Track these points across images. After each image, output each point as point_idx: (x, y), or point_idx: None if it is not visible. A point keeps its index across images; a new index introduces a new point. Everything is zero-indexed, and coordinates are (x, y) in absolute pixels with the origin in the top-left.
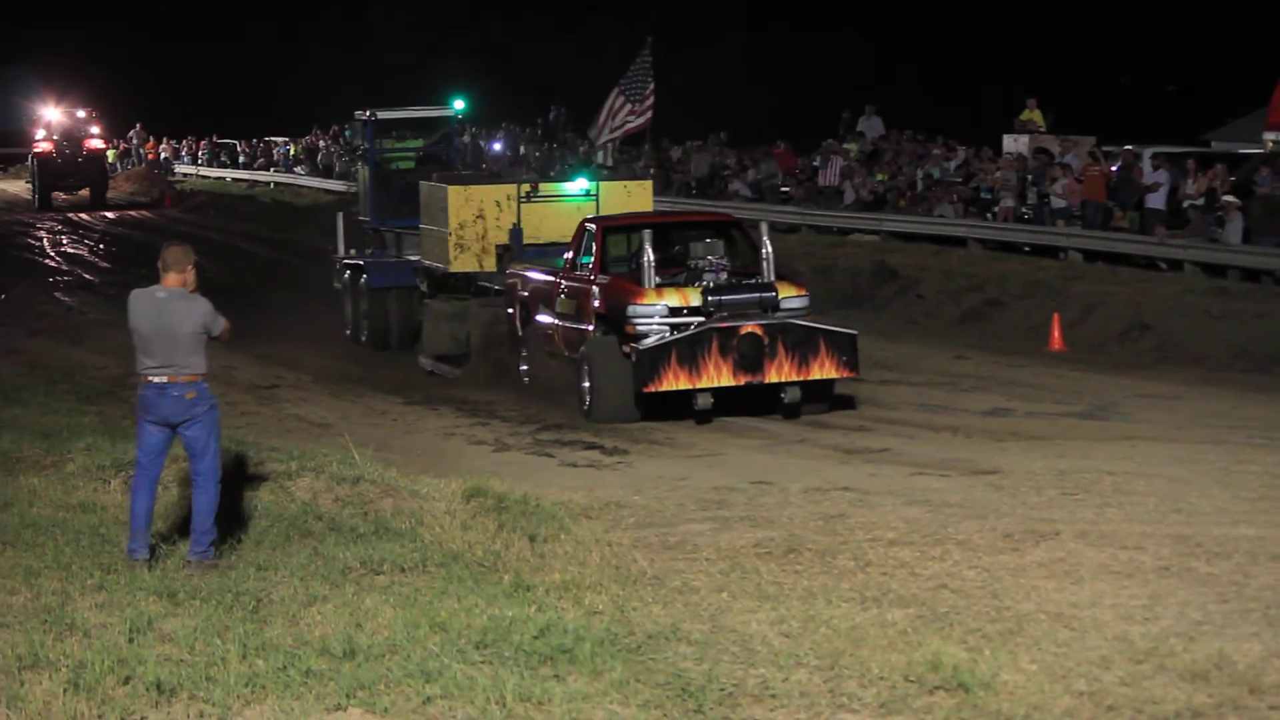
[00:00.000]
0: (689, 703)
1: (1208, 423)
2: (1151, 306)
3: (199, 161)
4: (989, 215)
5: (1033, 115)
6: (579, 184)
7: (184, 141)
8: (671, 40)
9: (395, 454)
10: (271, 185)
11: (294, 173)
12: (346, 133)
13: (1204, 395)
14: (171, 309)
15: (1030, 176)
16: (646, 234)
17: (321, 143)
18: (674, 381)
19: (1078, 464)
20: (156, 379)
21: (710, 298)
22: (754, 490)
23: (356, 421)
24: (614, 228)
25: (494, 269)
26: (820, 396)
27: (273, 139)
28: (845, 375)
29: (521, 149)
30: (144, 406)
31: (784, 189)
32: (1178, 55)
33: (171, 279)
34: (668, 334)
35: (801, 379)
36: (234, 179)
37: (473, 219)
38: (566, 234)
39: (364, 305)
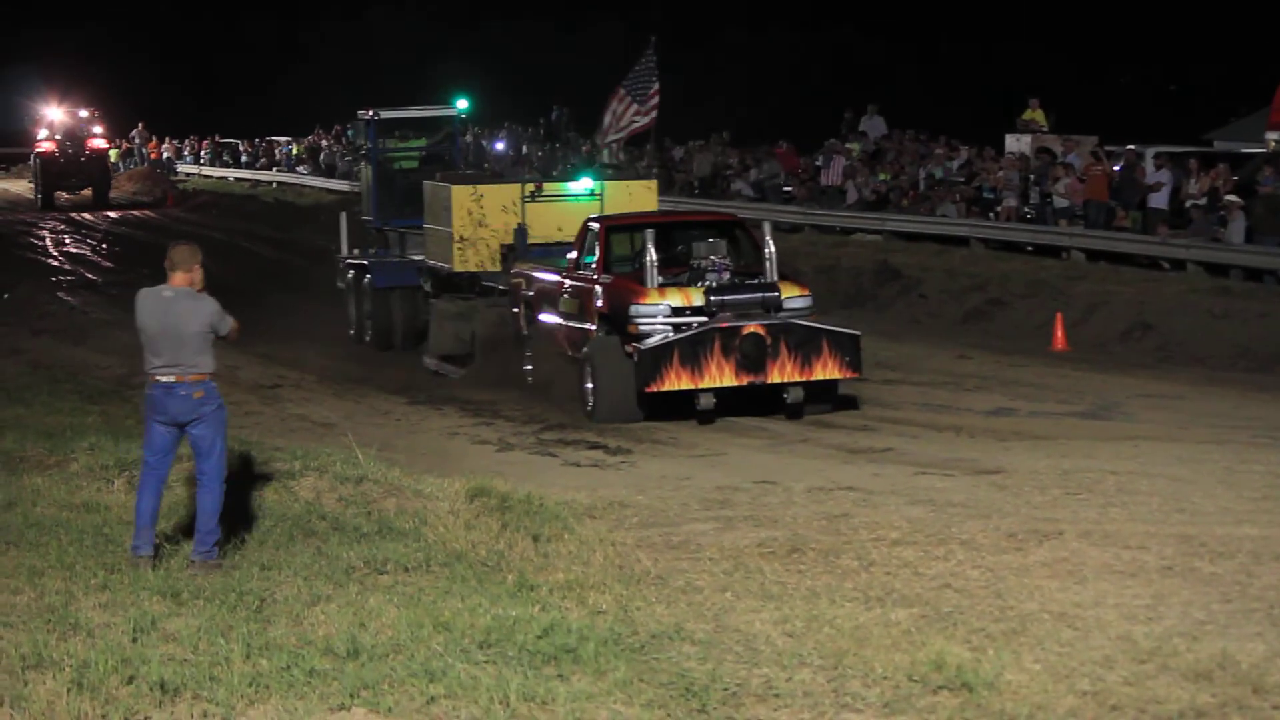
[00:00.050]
0: (693, 702)
1: (1211, 422)
2: (1154, 306)
3: (201, 161)
4: (991, 215)
5: (1035, 115)
6: (583, 183)
7: (186, 141)
8: (673, 40)
9: (399, 454)
10: (274, 185)
11: (296, 172)
12: (349, 132)
13: (1207, 395)
14: (178, 308)
15: (1033, 176)
16: (649, 234)
17: (324, 142)
18: (676, 382)
19: (1081, 464)
20: (164, 378)
21: (712, 298)
22: (757, 490)
23: (360, 421)
24: (617, 227)
25: (498, 269)
26: (823, 397)
27: (275, 139)
28: (848, 376)
29: (524, 149)
30: (151, 406)
31: (786, 189)
32: (1180, 55)
33: (178, 278)
34: (670, 334)
35: (804, 379)
36: (236, 179)
37: (477, 218)
38: (571, 234)
39: (368, 305)
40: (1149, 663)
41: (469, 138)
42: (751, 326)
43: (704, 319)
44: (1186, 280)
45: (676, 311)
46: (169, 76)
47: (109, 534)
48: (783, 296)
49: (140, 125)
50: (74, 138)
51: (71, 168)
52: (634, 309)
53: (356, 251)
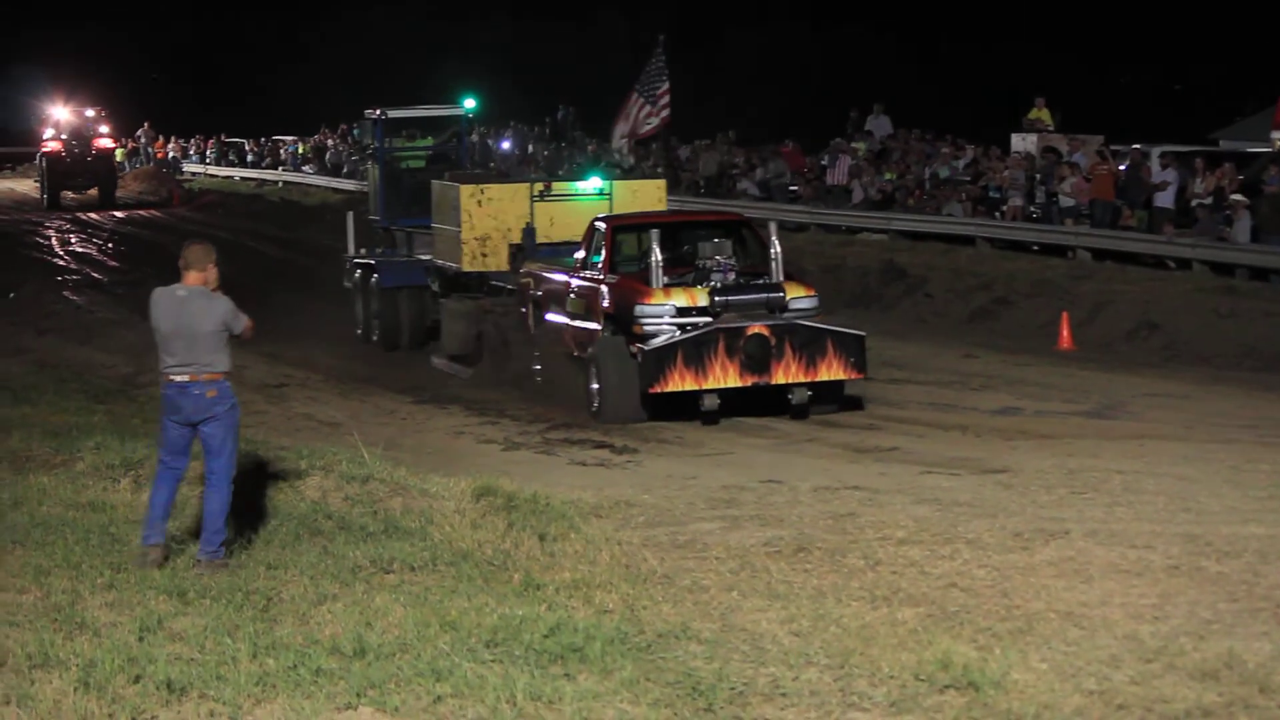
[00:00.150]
0: (699, 701)
1: (1216, 421)
2: (1160, 305)
3: (207, 161)
4: (997, 214)
5: (1041, 114)
6: (592, 183)
7: (192, 140)
8: (679, 39)
9: (405, 453)
10: (280, 184)
11: (302, 172)
12: (355, 131)
13: (1213, 394)
14: (192, 307)
15: (1038, 175)
16: (654, 234)
17: (330, 141)
18: (680, 382)
19: (1087, 463)
20: (178, 377)
21: (717, 298)
22: (763, 489)
23: (366, 420)
24: (623, 227)
25: (506, 268)
26: (829, 397)
27: (281, 138)
28: (853, 376)
29: (530, 148)
30: (165, 405)
31: (792, 188)
32: (1185, 54)
33: (192, 277)
34: (674, 334)
35: (809, 380)
36: (242, 178)
37: (485, 218)
38: (579, 233)
39: (375, 305)
40: (1155, 662)
41: (474, 137)
42: (756, 327)
43: (709, 319)
44: (1192, 279)
45: (682, 312)
46: (175, 75)
47: (115, 533)
48: (788, 297)
49: (146, 125)
50: (80, 137)
51: (77, 167)
52: (639, 309)
53: (363, 251)
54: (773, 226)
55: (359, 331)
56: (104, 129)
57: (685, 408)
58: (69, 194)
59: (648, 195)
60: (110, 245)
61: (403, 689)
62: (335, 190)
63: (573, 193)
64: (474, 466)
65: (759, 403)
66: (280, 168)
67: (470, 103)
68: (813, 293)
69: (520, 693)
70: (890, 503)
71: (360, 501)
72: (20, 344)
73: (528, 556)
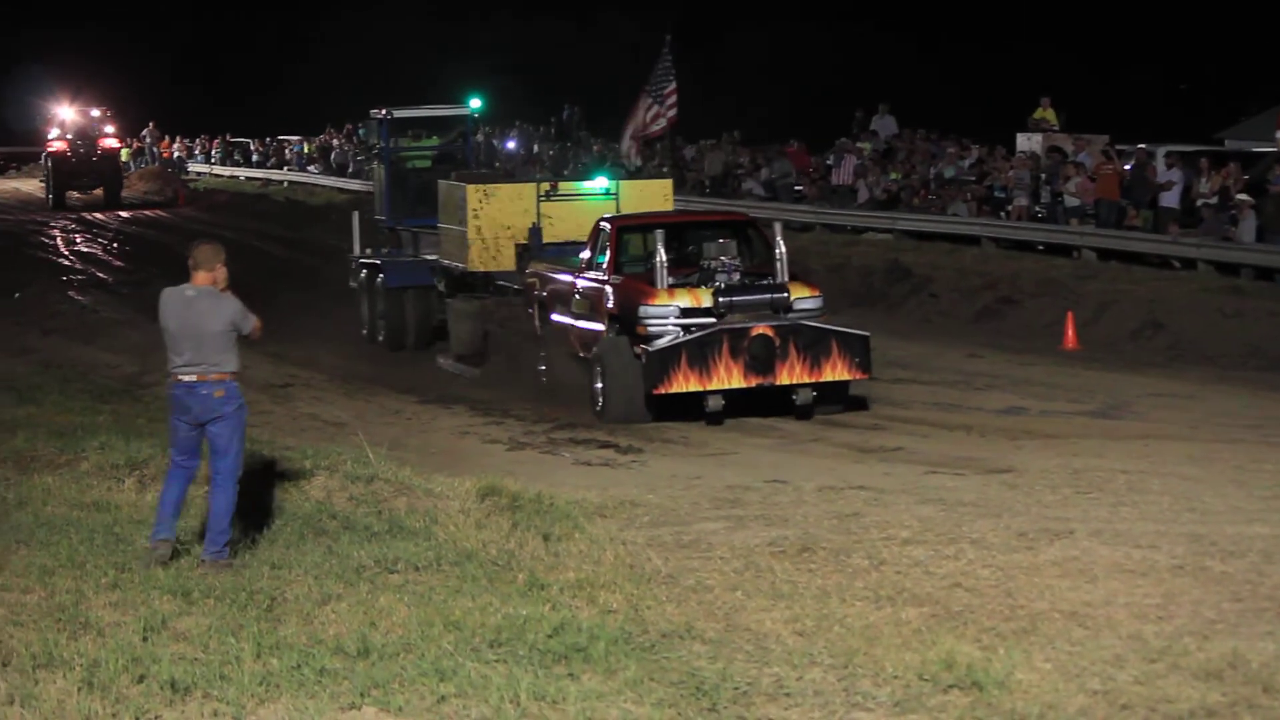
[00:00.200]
0: (703, 701)
1: (1221, 421)
2: (1165, 305)
3: (212, 160)
4: (1002, 214)
5: (1046, 114)
6: (599, 182)
7: (197, 140)
8: (684, 39)
9: (409, 453)
10: (285, 184)
11: (307, 171)
12: (361, 131)
13: (1218, 394)
14: (200, 307)
15: (1044, 175)
16: (659, 234)
17: (335, 141)
18: (684, 383)
19: (1092, 463)
20: (185, 377)
21: (721, 299)
22: (768, 489)
23: (371, 420)
24: (628, 227)
25: (513, 268)
26: (834, 398)
27: (286, 138)
28: (857, 377)
29: (535, 147)
30: (173, 405)
31: (797, 188)
32: (1190, 54)
33: (201, 277)
34: (678, 336)
35: (813, 381)
36: (247, 178)
37: (492, 218)
38: (586, 233)
39: (380, 305)
40: (1159, 662)
41: (480, 137)
42: (760, 328)
43: (713, 320)
44: (1197, 279)
45: (686, 313)
46: (181, 75)
47: (119, 533)
48: (793, 297)
49: (151, 124)
50: (85, 137)
51: (83, 167)
52: (643, 310)
53: (369, 251)
54: (777, 226)
55: (364, 332)
56: (109, 129)
57: (689, 408)
58: (74, 194)
59: (654, 195)
60: (115, 245)
61: (406, 689)
62: (340, 190)
63: (579, 192)
64: (479, 466)
65: (764, 403)
66: (285, 167)
67: (476, 102)
68: (817, 293)
69: (524, 692)
70: (895, 502)
71: (365, 501)
72: (25, 344)
73: (532, 556)
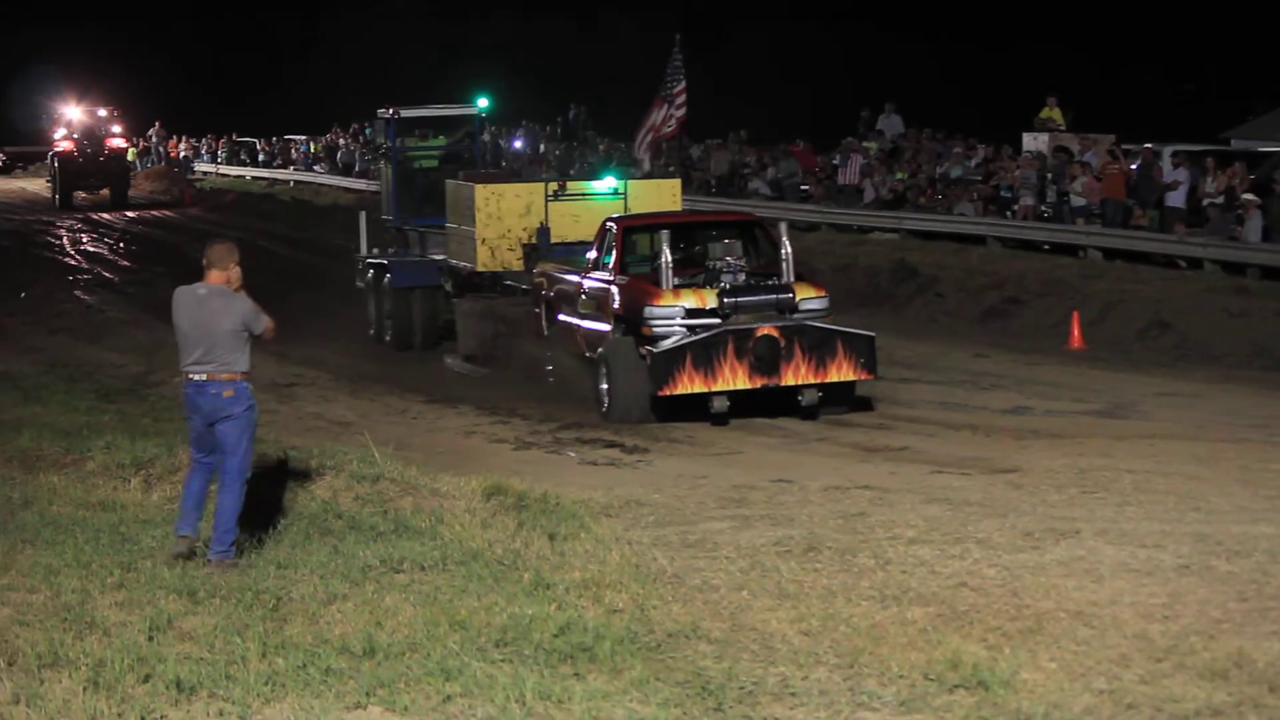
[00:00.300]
0: (709, 701)
1: (1227, 421)
2: (1171, 305)
3: (218, 160)
4: (1009, 213)
5: (1052, 113)
6: (607, 182)
7: (203, 140)
8: (690, 38)
9: (415, 452)
10: (291, 184)
11: (314, 171)
12: (368, 131)
13: (1223, 393)
14: (212, 306)
15: (1050, 175)
16: (665, 235)
17: (341, 141)
18: (689, 385)
19: (1097, 462)
20: (196, 376)
21: (726, 299)
22: (774, 488)
23: (376, 420)
24: (634, 227)
25: (521, 268)
26: (840, 398)
27: (292, 137)
28: (863, 377)
29: (541, 147)
30: (185, 403)
31: (804, 187)
32: (1196, 54)
33: (214, 276)
34: (683, 337)
35: (818, 381)
36: (254, 177)
37: (500, 218)
38: (593, 233)
39: (388, 305)
40: (1165, 661)
41: (486, 136)
42: (765, 329)
43: (718, 321)
44: (1203, 279)
45: (691, 313)
46: (186, 75)
47: (125, 532)
48: (798, 297)
49: (157, 124)
50: (93, 137)
51: (90, 167)
52: (648, 310)
53: (376, 251)
54: (783, 226)
55: (371, 332)
56: (116, 129)
57: (695, 408)
58: (81, 194)
59: (662, 195)
60: (121, 245)
61: (412, 688)
62: (347, 190)
63: (587, 192)
64: (484, 466)
65: (769, 403)
66: (292, 167)
67: (483, 102)
68: (823, 293)
69: (530, 692)
70: (900, 502)
71: (370, 501)
72: (31, 343)
73: (538, 556)
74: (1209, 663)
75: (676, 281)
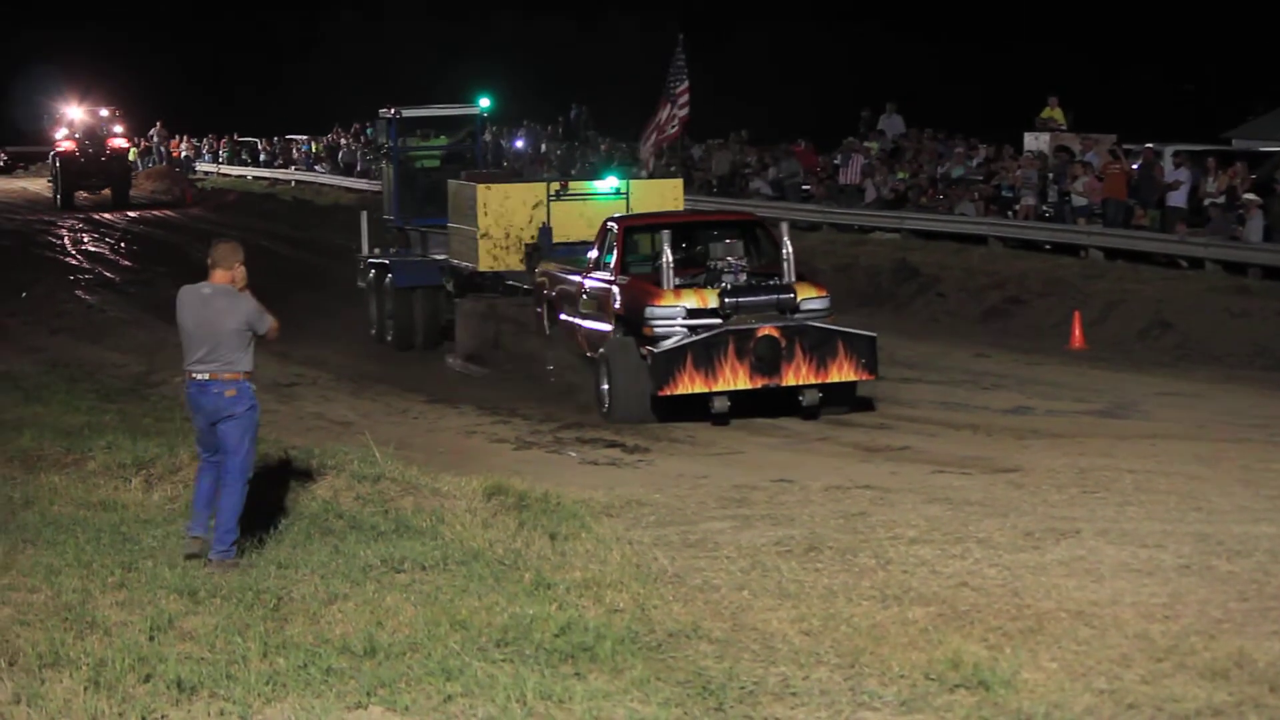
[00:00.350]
0: (709, 701)
1: (1228, 421)
2: (1172, 304)
3: (219, 160)
4: (1010, 213)
5: (1054, 113)
6: (609, 182)
7: (204, 140)
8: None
9: (416, 452)
10: (292, 184)
11: (315, 171)
12: (369, 131)
13: (1225, 393)
14: (216, 305)
15: (1051, 174)
16: (666, 235)
17: (342, 141)
18: (690, 385)
19: (1098, 462)
20: (199, 375)
21: (727, 300)
22: (774, 488)
23: (377, 419)
24: (635, 227)
25: (523, 268)
26: (841, 399)
27: (293, 137)
28: (863, 378)
29: (543, 147)
30: (188, 403)
31: (805, 187)
32: (1196, 54)
33: (219, 275)
34: (684, 337)
35: (819, 382)
36: (255, 177)
37: (502, 218)
38: (595, 233)
39: (389, 305)
40: (1166, 661)
41: (487, 136)
42: (766, 329)
43: (719, 321)
44: (1204, 279)
45: (693, 314)
46: (187, 75)
47: (126, 532)
48: (800, 298)
49: (159, 124)
50: (94, 137)
51: (92, 167)
52: (649, 311)
53: (378, 250)
54: (785, 226)
55: (373, 332)
56: (118, 129)
57: (695, 408)
58: (83, 194)
59: (664, 195)
60: (122, 245)
61: (413, 688)
62: (348, 190)
63: (589, 192)
64: (486, 466)
65: (770, 403)
66: (293, 167)
67: (485, 102)
68: (824, 293)
69: (530, 692)
70: (901, 502)
71: (371, 501)
72: (33, 343)
73: (539, 556)
74: (1210, 663)
75: (678, 281)
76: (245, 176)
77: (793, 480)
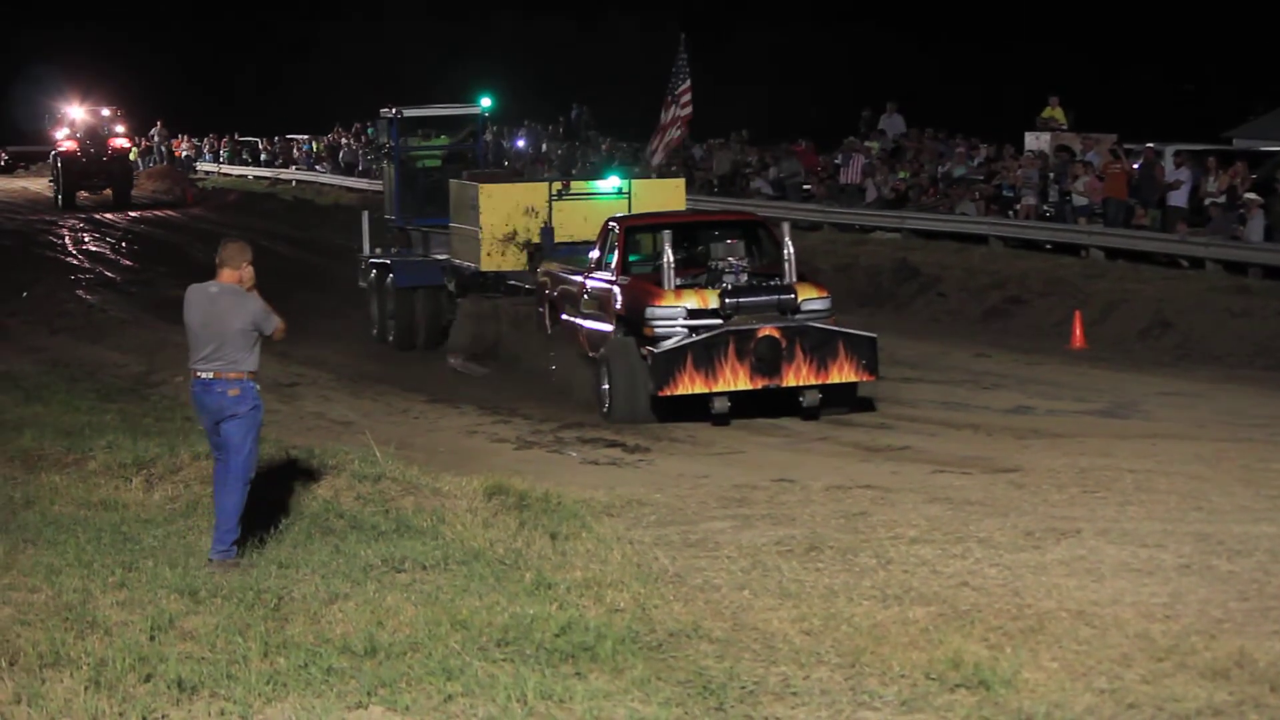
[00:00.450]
0: (710, 700)
1: (1229, 420)
2: (1173, 304)
3: (220, 159)
4: (1011, 213)
5: (1054, 113)
6: (610, 182)
7: (205, 139)
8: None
9: (417, 452)
10: (293, 183)
11: (316, 170)
12: (370, 130)
13: (1225, 393)
14: (223, 304)
15: (1052, 174)
16: (666, 235)
17: (343, 140)
18: (690, 385)
19: (1099, 462)
20: (203, 374)
21: (727, 300)
22: (775, 488)
23: (378, 419)
24: (636, 227)
25: (524, 268)
26: (841, 399)
27: (294, 137)
28: (864, 379)
29: (544, 146)
30: (193, 402)
31: (806, 187)
32: (1196, 54)
33: (226, 274)
34: (684, 337)
35: (820, 382)
36: (256, 177)
37: (503, 217)
38: (597, 233)
39: (390, 305)
40: (1166, 661)
41: (488, 136)
42: (766, 329)
43: (720, 321)
44: (1205, 278)
45: (694, 314)
46: (188, 74)
47: (126, 532)
48: (800, 298)
49: (159, 124)
50: (95, 137)
51: (93, 167)
52: (650, 311)
53: (379, 250)
54: (786, 226)
55: (374, 332)
56: (119, 128)
57: (696, 408)
58: (84, 194)
59: (666, 194)
60: (123, 244)
61: (414, 688)
62: (348, 189)
63: (591, 192)
64: (486, 465)
65: (770, 403)
66: (294, 166)
67: (486, 101)
68: (825, 294)
69: (531, 692)
70: (902, 501)
71: (372, 500)
72: (33, 343)
73: (539, 555)
74: (1210, 662)
75: (679, 282)
76: (246, 176)
77: (793, 480)
